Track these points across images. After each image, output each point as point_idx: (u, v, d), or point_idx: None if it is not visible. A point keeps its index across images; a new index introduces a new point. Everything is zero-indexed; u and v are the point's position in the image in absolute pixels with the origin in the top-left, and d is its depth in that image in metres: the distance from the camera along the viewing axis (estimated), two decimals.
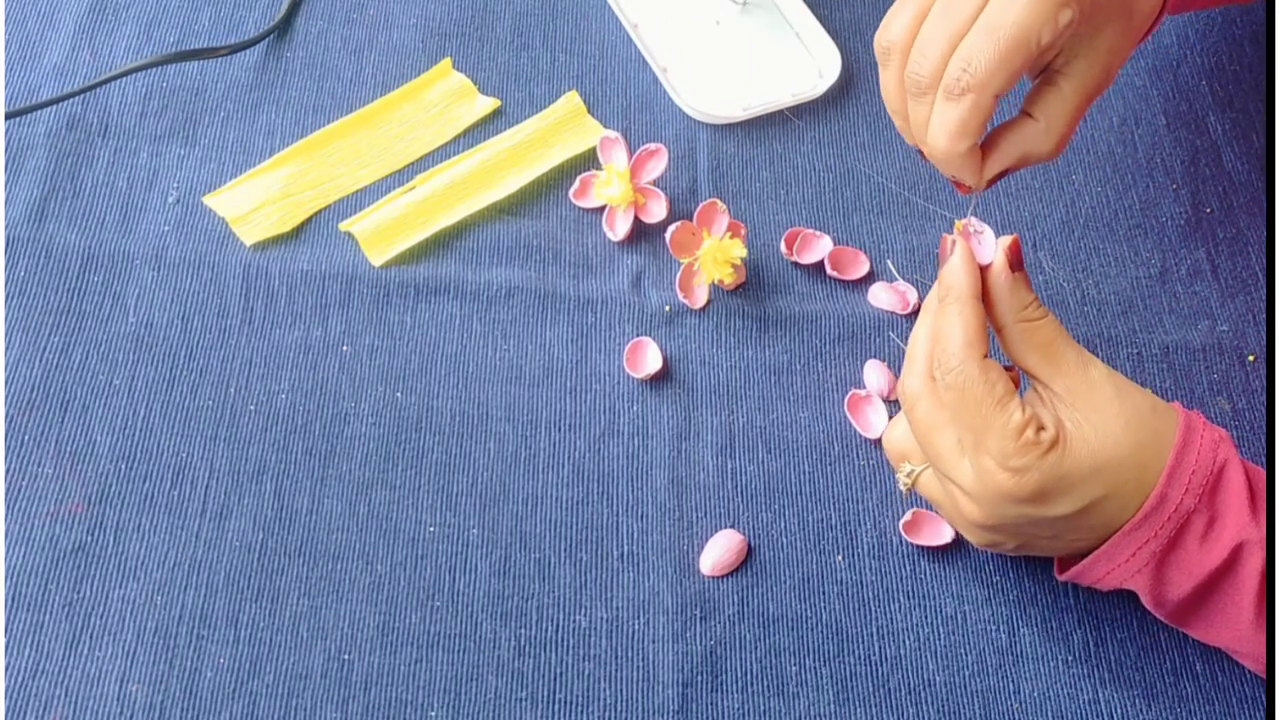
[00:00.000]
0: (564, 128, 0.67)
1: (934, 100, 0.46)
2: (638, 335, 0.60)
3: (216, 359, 0.58)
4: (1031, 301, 0.48)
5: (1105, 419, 0.46)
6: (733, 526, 0.56)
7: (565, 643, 0.52)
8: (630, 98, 0.69)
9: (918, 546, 0.56)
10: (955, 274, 0.48)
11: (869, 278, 0.63)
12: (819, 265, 0.63)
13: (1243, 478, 0.46)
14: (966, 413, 0.46)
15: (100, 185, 0.62)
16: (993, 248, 0.48)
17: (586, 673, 0.52)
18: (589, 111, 0.68)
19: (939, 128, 0.46)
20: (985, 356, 0.47)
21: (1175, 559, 0.47)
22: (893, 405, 0.59)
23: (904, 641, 0.53)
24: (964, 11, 0.45)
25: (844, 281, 0.63)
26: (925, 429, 0.48)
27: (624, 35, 0.71)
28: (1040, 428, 0.46)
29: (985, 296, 0.48)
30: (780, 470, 0.57)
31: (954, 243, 0.48)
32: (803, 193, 0.66)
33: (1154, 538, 0.46)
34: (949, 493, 0.49)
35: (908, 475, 0.52)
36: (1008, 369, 0.49)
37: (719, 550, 0.54)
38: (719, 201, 0.61)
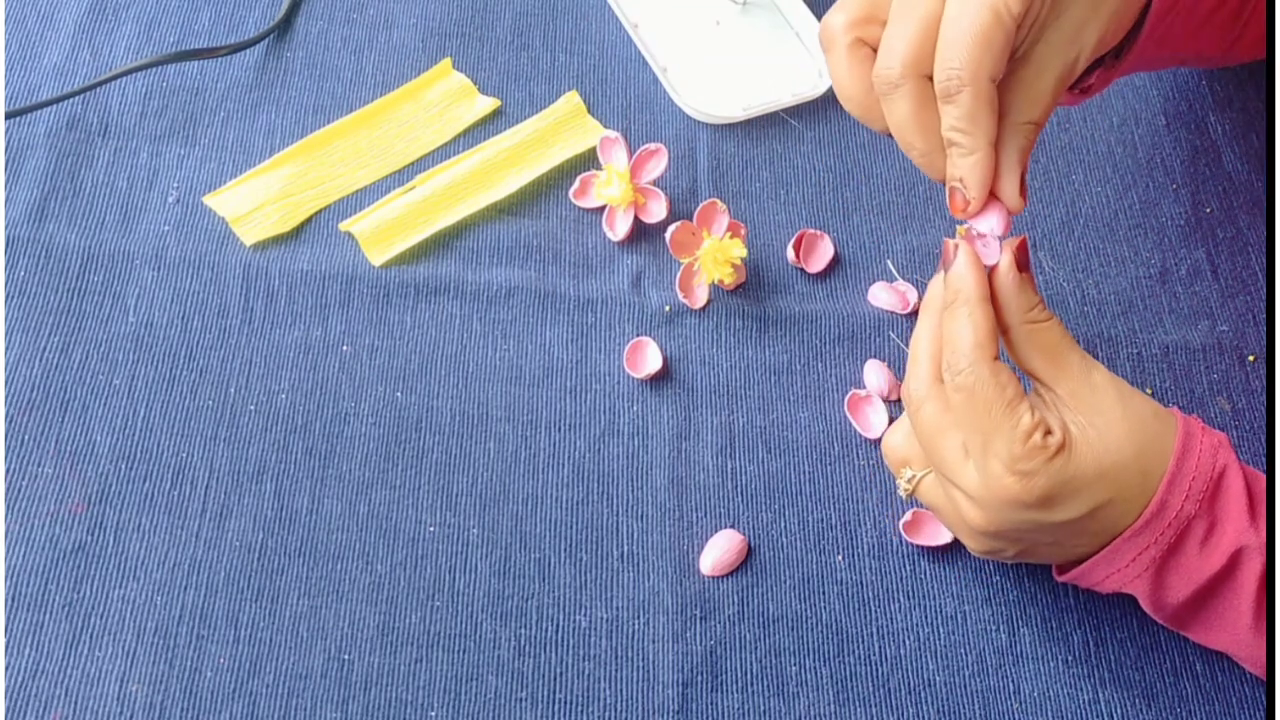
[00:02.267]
0: (564, 128, 0.67)
1: (907, 92, 0.45)
2: (638, 335, 0.60)
3: (216, 359, 0.58)
4: (1037, 303, 0.47)
5: (1109, 423, 0.46)
6: (733, 526, 0.56)
7: (565, 643, 0.52)
8: (630, 98, 0.69)
9: (918, 546, 0.56)
10: (963, 276, 0.47)
11: (834, 264, 0.63)
12: (823, 272, 0.63)
13: (1242, 483, 0.46)
14: (975, 415, 0.46)
15: (100, 185, 0.62)
16: (997, 249, 0.47)
17: (586, 673, 0.52)
18: (589, 111, 0.68)
19: (955, 128, 0.44)
20: (995, 359, 0.46)
21: (1175, 564, 0.47)
22: (893, 405, 0.59)
23: (904, 641, 0.53)
24: (918, 12, 0.44)
25: (810, 274, 0.63)
26: (930, 432, 0.48)
27: (624, 35, 0.71)
28: (1048, 431, 0.46)
29: (991, 298, 0.48)
30: (780, 470, 0.57)
31: (957, 246, 0.47)
32: (803, 193, 0.66)
33: (1154, 544, 0.46)
34: (951, 498, 0.49)
35: (908, 481, 0.51)
36: None
37: (719, 550, 0.54)
38: (719, 201, 0.61)
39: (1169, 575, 0.47)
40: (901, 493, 0.52)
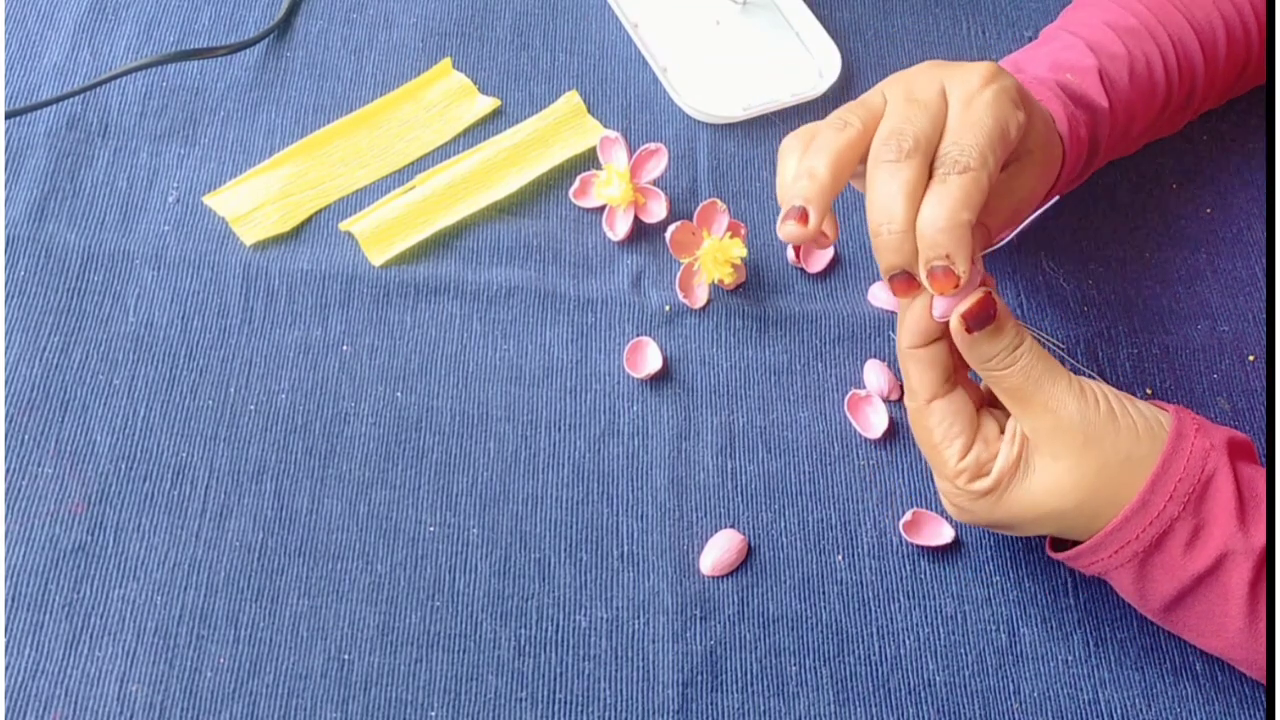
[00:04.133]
0: (564, 127, 0.67)
1: (911, 169, 0.45)
2: (638, 335, 0.60)
3: (216, 359, 0.58)
4: (996, 354, 0.47)
5: (1060, 469, 0.47)
6: (733, 526, 0.56)
7: (565, 643, 0.52)
8: (630, 98, 0.69)
9: (918, 546, 0.56)
10: (898, 331, 0.50)
11: (833, 264, 0.63)
12: (823, 272, 0.63)
13: (1232, 488, 0.47)
14: (920, 445, 0.51)
15: (100, 185, 0.62)
16: (963, 299, 0.47)
17: (586, 673, 0.52)
18: (589, 111, 0.68)
19: (941, 202, 0.45)
20: (929, 401, 0.49)
21: (1159, 561, 0.48)
22: (892, 405, 0.59)
23: (904, 641, 0.53)
24: (930, 108, 0.47)
25: (810, 274, 0.63)
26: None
27: (624, 35, 0.71)
28: (979, 475, 0.48)
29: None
30: (780, 470, 0.57)
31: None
32: None
33: (1135, 539, 0.47)
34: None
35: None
36: None
37: (719, 550, 0.54)
38: (719, 201, 0.61)
39: (1153, 570, 0.48)
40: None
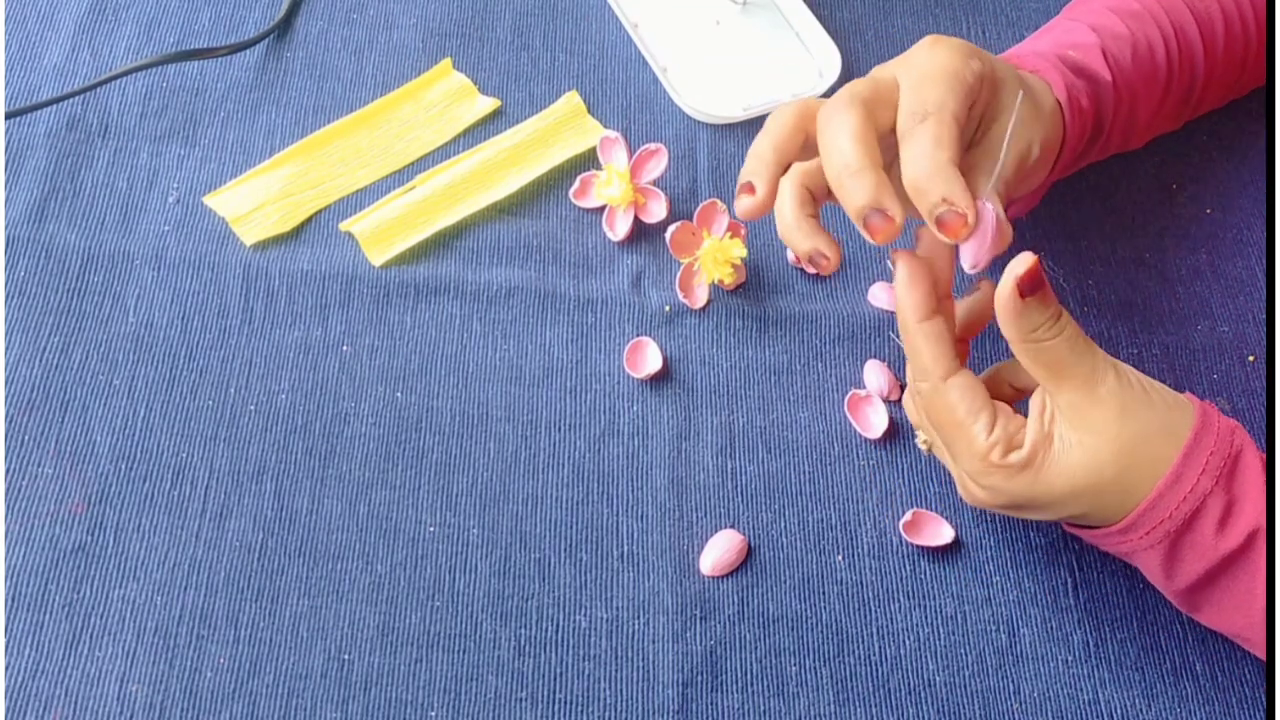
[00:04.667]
0: (564, 128, 0.67)
1: (853, 113, 0.47)
2: (638, 335, 0.60)
3: (216, 359, 0.58)
4: (1043, 322, 0.46)
5: (1099, 442, 0.46)
6: (733, 526, 0.56)
7: (565, 643, 0.52)
8: (630, 98, 0.69)
9: (918, 546, 0.56)
10: (899, 307, 0.48)
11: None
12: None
13: (1260, 464, 0.46)
14: (938, 427, 0.49)
15: (100, 185, 0.62)
16: (987, 239, 0.47)
17: (586, 673, 0.52)
18: (589, 111, 0.68)
19: (916, 150, 0.46)
20: (946, 378, 0.47)
21: (1189, 540, 0.46)
22: (893, 405, 0.59)
23: (904, 641, 0.53)
24: (875, 79, 0.49)
25: (810, 274, 0.63)
26: (920, 422, 0.52)
27: (624, 35, 0.71)
28: (1012, 448, 0.46)
29: (987, 311, 0.49)
30: (780, 470, 0.57)
31: (895, 263, 0.48)
32: None
33: (1169, 518, 0.46)
34: (945, 459, 0.52)
35: (924, 442, 0.54)
36: None
37: (719, 550, 0.54)
38: (719, 201, 0.61)
39: (1183, 550, 0.47)
40: (920, 446, 0.55)
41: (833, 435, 0.58)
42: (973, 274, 0.48)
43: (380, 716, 0.50)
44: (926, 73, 0.48)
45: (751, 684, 0.52)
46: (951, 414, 0.47)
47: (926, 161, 0.45)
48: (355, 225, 0.62)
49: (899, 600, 0.54)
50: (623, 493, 0.56)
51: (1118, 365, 0.47)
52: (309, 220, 0.63)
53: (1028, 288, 0.45)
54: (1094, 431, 0.46)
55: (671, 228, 0.61)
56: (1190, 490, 0.46)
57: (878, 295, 0.63)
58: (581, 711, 0.51)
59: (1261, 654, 0.50)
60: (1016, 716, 0.52)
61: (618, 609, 0.53)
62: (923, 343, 0.48)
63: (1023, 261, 0.45)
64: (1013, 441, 0.47)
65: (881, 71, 0.50)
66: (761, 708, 0.52)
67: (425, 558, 0.54)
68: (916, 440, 0.55)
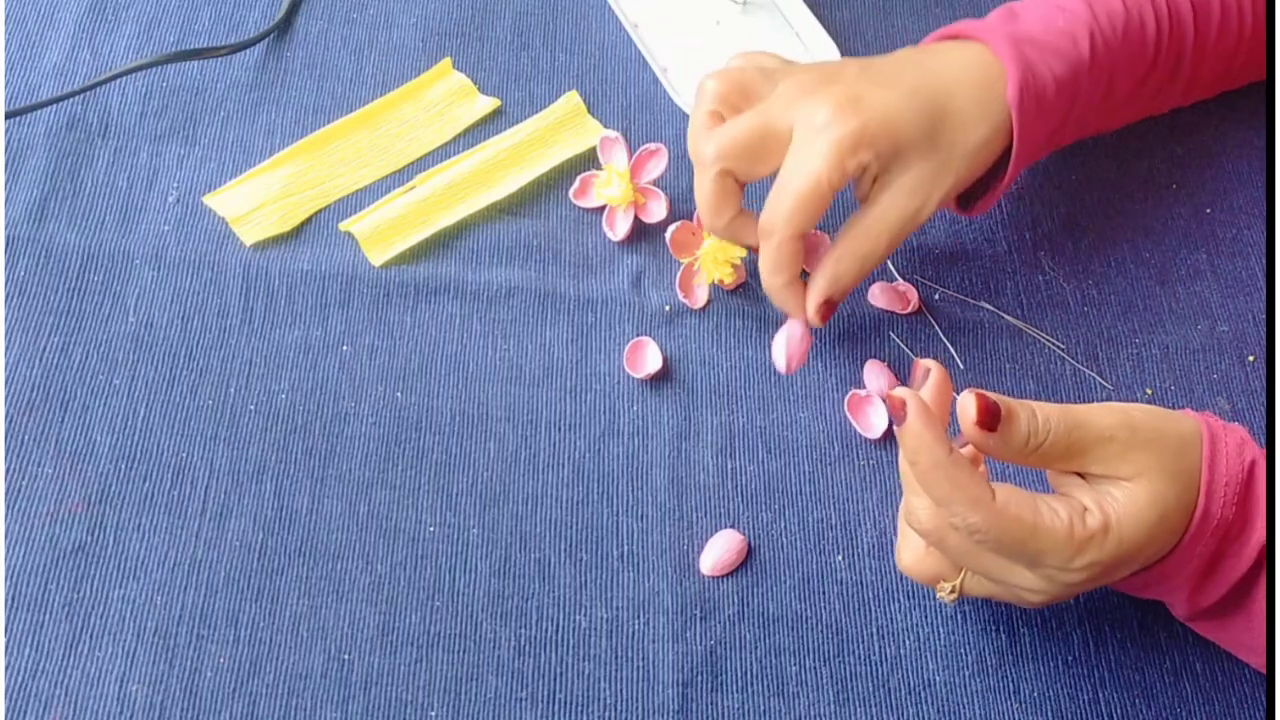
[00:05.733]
0: (564, 128, 0.67)
1: (706, 178, 0.54)
2: (638, 335, 0.60)
3: (216, 359, 0.58)
4: (1028, 433, 0.43)
5: (1151, 477, 0.44)
6: (733, 526, 0.56)
7: (565, 643, 0.52)
8: (630, 98, 0.69)
9: None
10: (920, 451, 0.43)
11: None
12: None
13: (1264, 476, 0.45)
14: (1012, 549, 0.44)
15: (100, 185, 0.62)
16: (797, 345, 0.56)
17: (586, 673, 0.52)
18: (589, 111, 0.68)
19: (762, 266, 0.54)
20: (992, 501, 0.43)
21: (1214, 568, 0.46)
22: None
23: (904, 641, 0.53)
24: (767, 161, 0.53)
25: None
26: (967, 557, 0.46)
27: (624, 35, 0.71)
28: (1084, 510, 0.44)
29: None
30: (780, 470, 0.57)
31: (904, 403, 0.44)
32: None
33: (1198, 555, 0.45)
34: (1007, 587, 0.47)
35: (951, 591, 0.49)
36: None
37: (719, 550, 0.54)
38: None
39: (1207, 581, 0.47)
40: (945, 600, 0.50)
41: (833, 435, 0.58)
42: (785, 374, 0.57)
43: (380, 716, 0.50)
44: (792, 175, 0.52)
45: (751, 684, 0.52)
46: (1022, 524, 0.43)
47: (765, 277, 0.54)
48: (355, 225, 0.62)
49: (899, 600, 0.54)
50: (623, 493, 0.56)
51: (1111, 406, 0.45)
52: (309, 220, 0.63)
53: (989, 420, 0.43)
54: (1138, 472, 0.44)
55: (671, 228, 0.61)
56: (1215, 524, 0.45)
57: (878, 295, 0.63)
58: (581, 711, 0.51)
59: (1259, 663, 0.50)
60: (1016, 716, 0.52)
61: (618, 609, 0.53)
62: (961, 476, 0.43)
63: (967, 404, 0.43)
64: (1081, 512, 0.44)
65: (778, 113, 0.53)
66: (761, 708, 0.52)
67: (425, 558, 0.54)
68: (940, 595, 0.49)
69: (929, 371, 0.45)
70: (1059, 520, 0.43)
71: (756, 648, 0.53)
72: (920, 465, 0.43)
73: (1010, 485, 0.44)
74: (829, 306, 0.55)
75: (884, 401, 0.45)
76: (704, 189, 0.54)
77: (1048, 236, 0.65)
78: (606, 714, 0.51)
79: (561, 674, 0.52)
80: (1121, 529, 0.43)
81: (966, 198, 0.60)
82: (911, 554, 0.50)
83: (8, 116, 0.63)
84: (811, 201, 0.51)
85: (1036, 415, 0.44)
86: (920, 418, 0.43)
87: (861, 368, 0.60)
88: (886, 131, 0.51)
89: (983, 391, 0.43)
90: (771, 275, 0.54)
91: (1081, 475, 0.46)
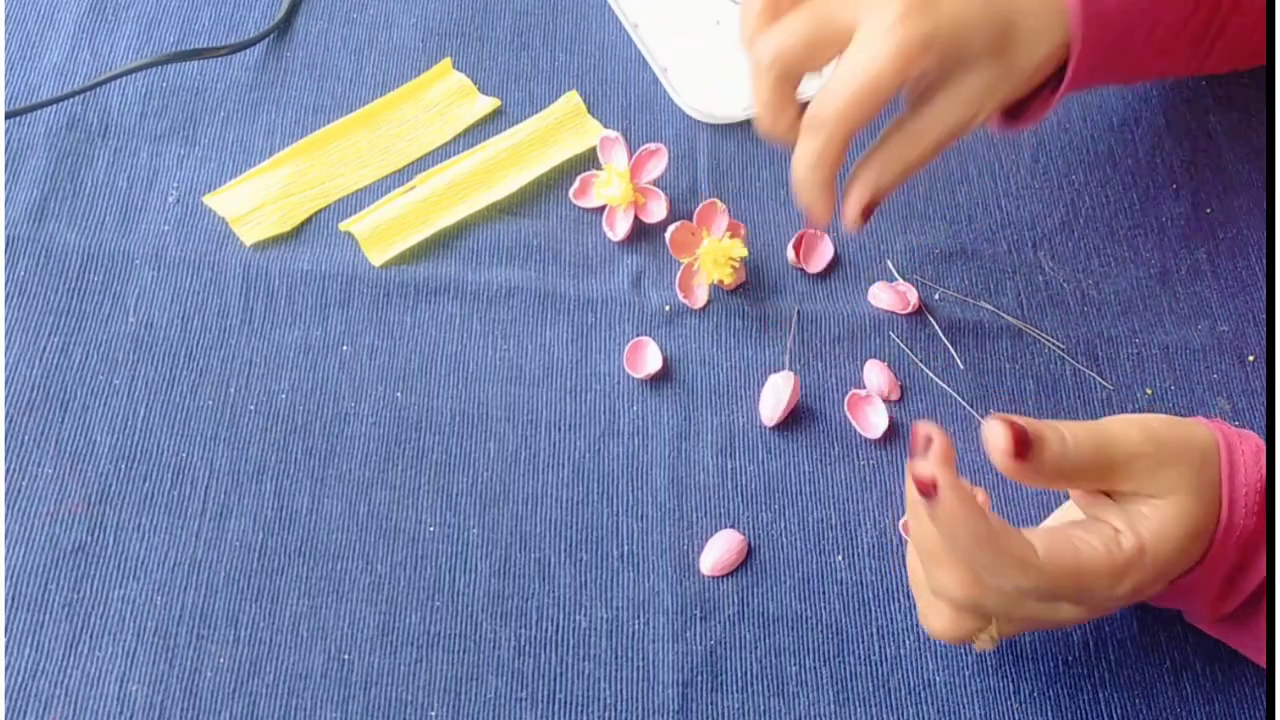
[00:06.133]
0: (564, 128, 0.67)
1: (765, 79, 0.50)
2: (638, 335, 0.60)
3: (216, 359, 0.58)
4: (1058, 454, 0.43)
5: (1178, 491, 0.43)
6: (733, 526, 0.56)
7: (565, 643, 0.52)
8: (630, 98, 0.69)
9: None
10: (967, 526, 0.42)
11: (834, 264, 0.63)
12: (823, 272, 0.63)
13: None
14: (1066, 590, 0.44)
15: (100, 185, 0.62)
16: (783, 404, 0.55)
17: (586, 673, 0.52)
18: (589, 111, 0.68)
19: (800, 161, 0.49)
20: (1037, 557, 0.42)
21: (1238, 576, 0.46)
22: (893, 405, 0.59)
23: (904, 641, 0.53)
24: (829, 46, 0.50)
25: (810, 274, 0.63)
26: (1007, 610, 0.46)
27: (624, 35, 0.71)
28: (1116, 533, 0.43)
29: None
30: (780, 470, 0.57)
31: (935, 484, 0.42)
32: None
33: (1222, 564, 0.45)
34: (1049, 620, 0.47)
35: (990, 640, 0.48)
36: None
37: (719, 550, 0.54)
38: (719, 201, 0.61)
39: (1229, 588, 0.46)
40: (985, 649, 0.49)
41: (833, 435, 0.58)
42: (771, 427, 0.55)
43: (380, 716, 0.50)
44: (852, 76, 0.48)
45: (751, 684, 0.52)
46: (1067, 571, 0.43)
47: (801, 170, 0.49)
48: (355, 225, 0.62)
49: (899, 600, 0.54)
50: (623, 493, 0.56)
51: (1130, 419, 0.45)
52: (309, 220, 0.63)
53: (1023, 450, 0.42)
54: (1167, 489, 0.44)
55: (671, 228, 0.61)
56: (1238, 535, 0.44)
57: (878, 295, 0.63)
58: (581, 711, 0.51)
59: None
60: (1016, 716, 0.52)
61: (618, 609, 0.53)
62: (1004, 542, 0.42)
63: (997, 434, 0.42)
64: (1114, 536, 0.44)
65: (841, 7, 0.49)
66: (761, 708, 0.52)
67: (425, 558, 0.54)
68: (980, 646, 0.48)
69: (930, 440, 0.42)
70: (1097, 553, 0.43)
71: (756, 648, 0.53)
72: (961, 542, 0.42)
73: (1042, 530, 0.44)
74: (868, 211, 0.52)
75: (910, 476, 0.43)
76: (763, 92, 0.51)
77: (1048, 236, 0.65)
78: (606, 714, 0.51)
79: (561, 674, 0.52)
80: (1155, 548, 0.43)
81: (1011, 112, 0.56)
82: (942, 621, 0.48)
83: (8, 116, 0.63)
84: (870, 99, 0.48)
85: (1066, 437, 0.43)
86: (954, 495, 0.41)
87: (861, 368, 0.60)
88: (955, 38, 0.49)
89: (1009, 417, 0.42)
90: (811, 170, 0.49)
91: (1107, 493, 0.45)
